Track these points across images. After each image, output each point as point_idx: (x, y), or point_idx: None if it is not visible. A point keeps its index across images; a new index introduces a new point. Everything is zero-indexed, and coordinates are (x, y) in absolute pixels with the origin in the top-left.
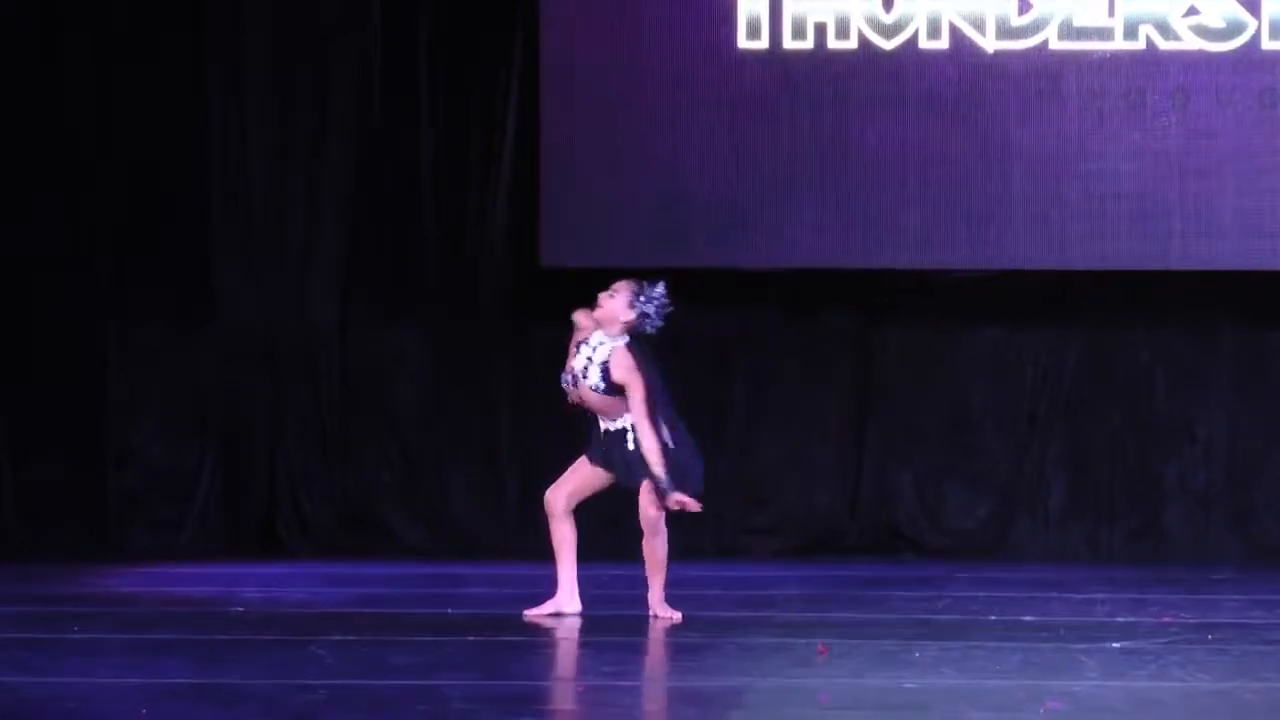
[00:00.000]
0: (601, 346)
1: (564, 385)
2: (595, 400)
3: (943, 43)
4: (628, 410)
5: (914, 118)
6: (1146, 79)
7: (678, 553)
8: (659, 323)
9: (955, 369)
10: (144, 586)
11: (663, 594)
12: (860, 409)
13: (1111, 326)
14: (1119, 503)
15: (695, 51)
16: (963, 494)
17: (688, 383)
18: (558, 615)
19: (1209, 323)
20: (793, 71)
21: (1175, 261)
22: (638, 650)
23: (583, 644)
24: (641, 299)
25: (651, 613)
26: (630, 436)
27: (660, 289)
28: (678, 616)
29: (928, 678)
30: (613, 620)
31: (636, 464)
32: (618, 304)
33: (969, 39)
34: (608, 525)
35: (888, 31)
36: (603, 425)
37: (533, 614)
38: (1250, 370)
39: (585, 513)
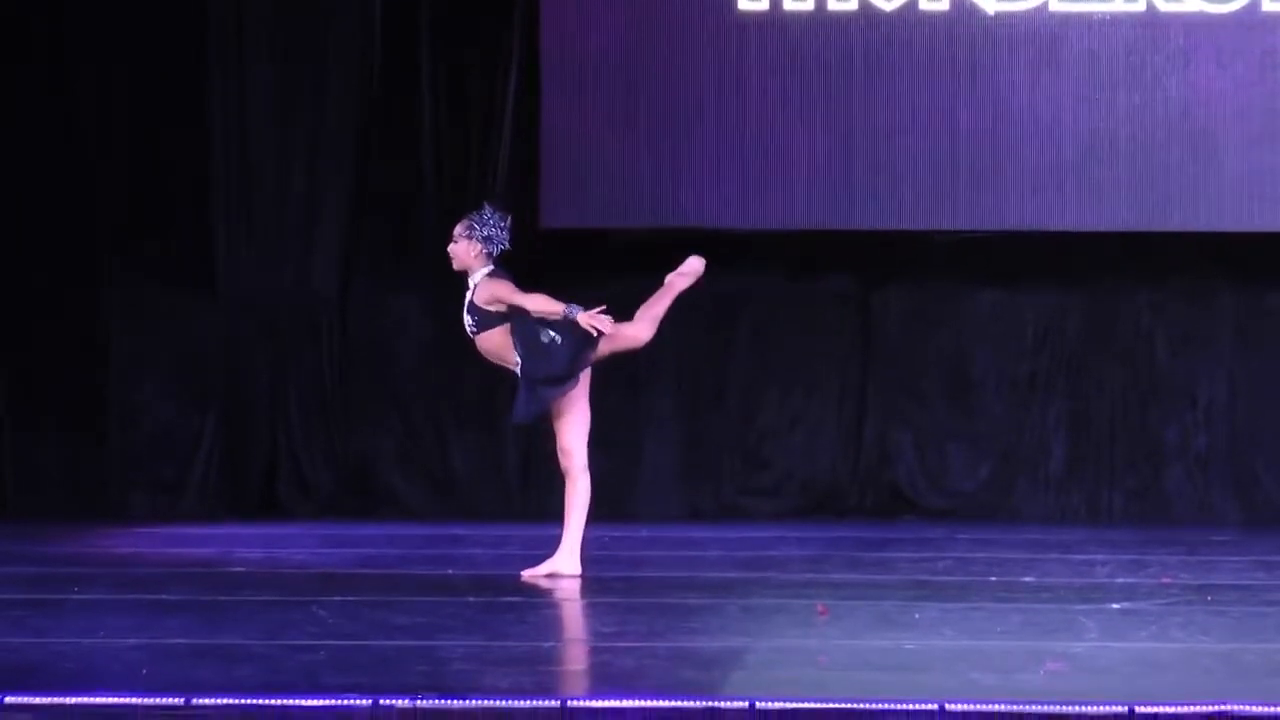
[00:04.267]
0: (472, 291)
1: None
2: (484, 347)
3: (943, 4)
4: (515, 354)
5: (914, 80)
6: (1147, 40)
7: (678, 514)
8: (505, 236)
9: (956, 331)
10: (144, 547)
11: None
12: (861, 371)
13: (1112, 288)
14: (1119, 464)
15: (696, 13)
16: (963, 455)
17: (688, 345)
18: (554, 576)
19: (1210, 285)
20: (793, 33)
21: (1176, 223)
22: (638, 611)
23: (583, 605)
24: (476, 227)
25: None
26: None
27: (487, 211)
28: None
29: (928, 639)
30: (614, 581)
31: (529, 392)
32: (461, 246)
33: (969, 0)
34: (607, 486)
35: None
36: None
37: (530, 574)
38: (1251, 333)
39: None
